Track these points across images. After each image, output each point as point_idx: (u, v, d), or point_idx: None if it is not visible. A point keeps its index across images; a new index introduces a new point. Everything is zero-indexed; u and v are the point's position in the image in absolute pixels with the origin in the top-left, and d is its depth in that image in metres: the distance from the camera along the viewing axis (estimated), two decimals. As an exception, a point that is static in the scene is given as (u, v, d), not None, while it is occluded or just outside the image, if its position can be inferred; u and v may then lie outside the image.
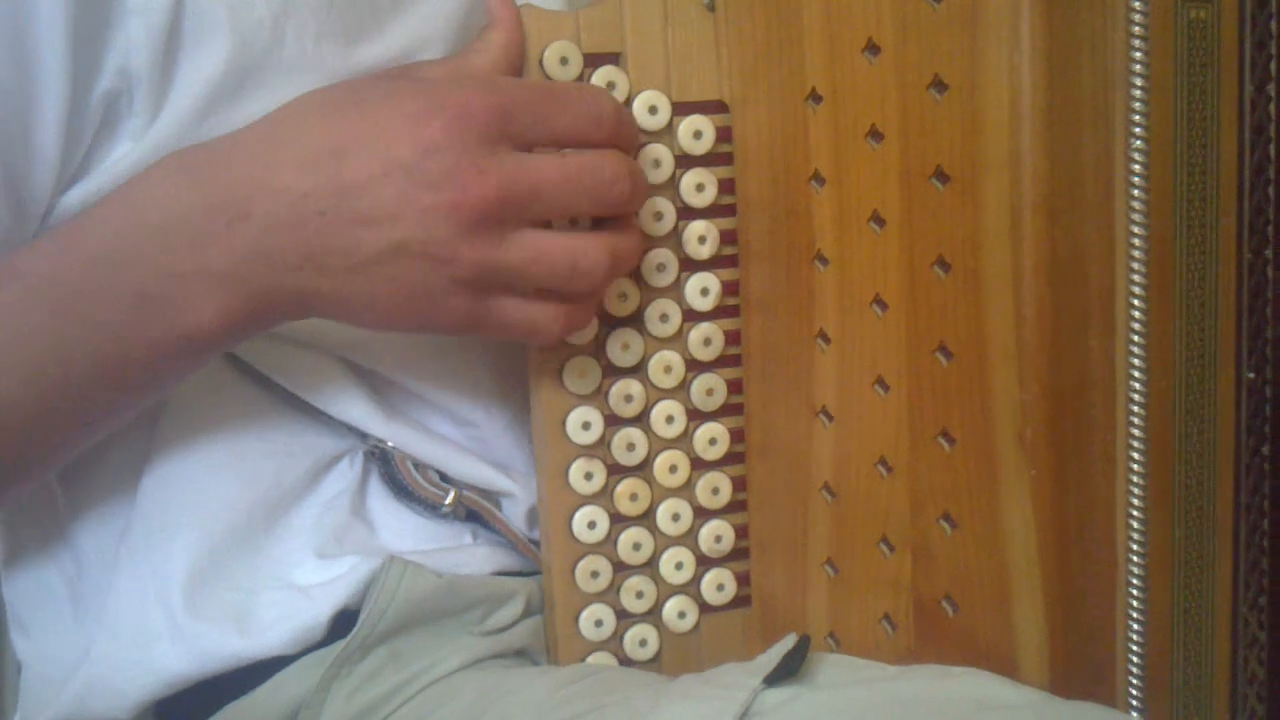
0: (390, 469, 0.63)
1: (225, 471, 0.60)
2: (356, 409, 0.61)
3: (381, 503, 0.63)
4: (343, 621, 0.58)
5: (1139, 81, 0.49)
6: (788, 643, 0.54)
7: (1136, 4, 0.49)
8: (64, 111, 0.52)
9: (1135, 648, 0.52)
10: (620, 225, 0.56)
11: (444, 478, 0.64)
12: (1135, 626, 0.52)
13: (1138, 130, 0.49)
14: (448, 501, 0.62)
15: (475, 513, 0.63)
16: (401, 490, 0.63)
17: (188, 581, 0.58)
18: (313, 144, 0.50)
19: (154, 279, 0.50)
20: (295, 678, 0.58)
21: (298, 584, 0.59)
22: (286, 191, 0.50)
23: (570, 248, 0.53)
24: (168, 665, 0.57)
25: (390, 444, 0.62)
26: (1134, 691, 0.52)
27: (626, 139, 0.55)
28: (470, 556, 0.62)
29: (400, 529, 0.62)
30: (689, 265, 0.60)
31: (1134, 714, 0.53)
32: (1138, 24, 0.49)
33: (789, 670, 0.52)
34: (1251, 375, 0.54)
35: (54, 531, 0.61)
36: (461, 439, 0.64)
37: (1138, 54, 0.49)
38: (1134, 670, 0.52)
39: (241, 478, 0.60)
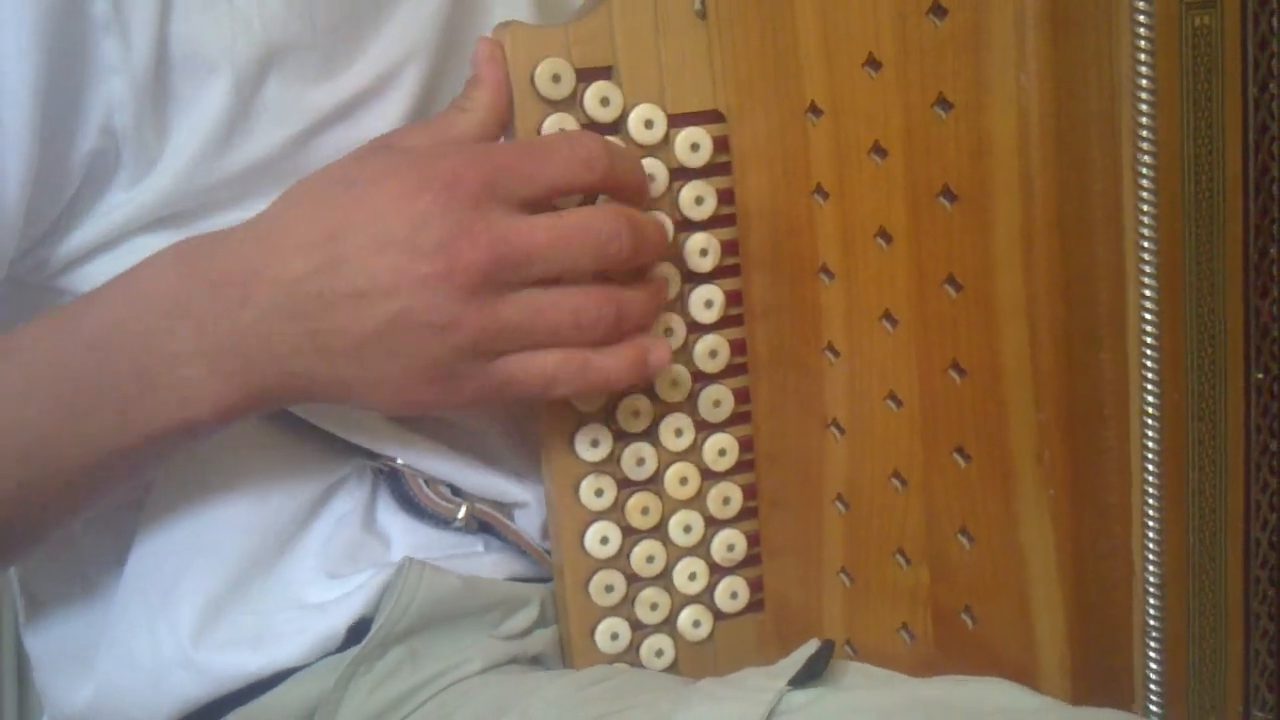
0: (400, 486, 0.62)
1: (233, 496, 0.59)
2: (363, 430, 0.61)
3: (392, 517, 0.63)
4: (357, 632, 0.58)
5: (1145, 95, 0.48)
6: (810, 647, 0.54)
7: (1141, 16, 0.48)
8: (31, 171, 0.52)
9: (1153, 655, 0.52)
10: (633, 277, 0.55)
11: (455, 491, 0.63)
12: (1154, 634, 0.52)
13: (1145, 145, 0.49)
14: (460, 515, 0.62)
15: (487, 525, 0.63)
16: (412, 507, 0.62)
17: (202, 608, 0.58)
18: (308, 231, 0.51)
19: (153, 361, 0.51)
20: (311, 680, 0.58)
21: (312, 603, 0.59)
22: (284, 278, 0.50)
23: (569, 303, 0.52)
24: (182, 691, 0.58)
25: (399, 461, 0.62)
26: (1153, 697, 0.53)
27: (625, 174, 0.54)
28: (482, 564, 0.62)
29: (412, 542, 0.62)
30: (691, 278, 0.60)
31: (1151, 716, 0.53)
32: (1143, 36, 0.48)
33: (813, 674, 0.53)
34: (1260, 376, 0.54)
35: (79, 586, 0.61)
36: (470, 452, 0.64)
37: (1144, 67, 0.48)
38: (1152, 676, 0.53)
39: (251, 502, 0.59)
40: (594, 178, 0.53)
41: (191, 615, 0.58)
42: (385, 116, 0.58)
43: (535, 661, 0.63)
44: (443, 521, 0.62)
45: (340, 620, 0.58)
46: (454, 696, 0.58)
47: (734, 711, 0.51)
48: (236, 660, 0.57)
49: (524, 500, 0.64)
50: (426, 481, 0.62)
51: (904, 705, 0.51)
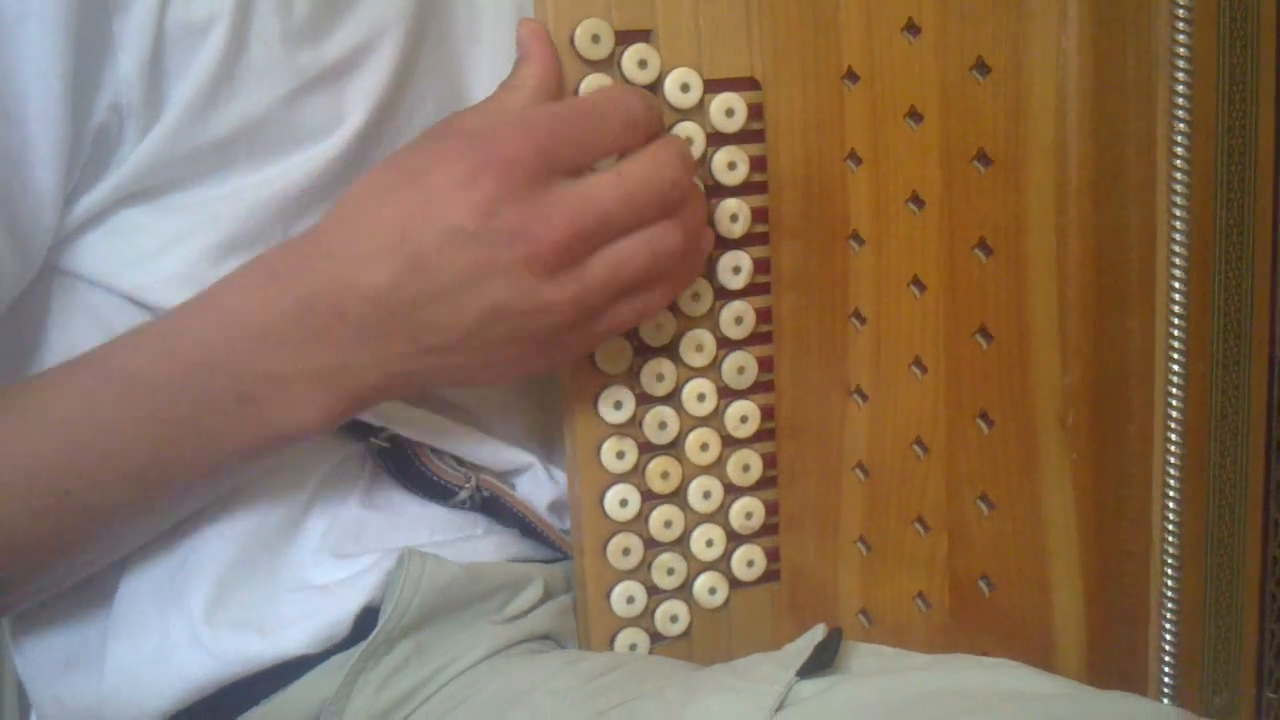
0: (405, 462, 0.62)
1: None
2: None
3: (393, 499, 0.63)
4: (364, 622, 0.58)
5: (1182, 63, 0.49)
6: (818, 633, 0.54)
7: (1181, -16, 0.49)
8: (64, 155, 0.53)
9: (1169, 625, 0.53)
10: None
11: (460, 463, 0.63)
12: (1169, 605, 0.52)
13: (1181, 113, 0.49)
14: (468, 485, 0.62)
15: (487, 502, 0.63)
16: (418, 479, 0.62)
17: (210, 589, 0.58)
18: (380, 231, 0.51)
19: (255, 382, 0.52)
20: (320, 679, 0.58)
21: (317, 584, 0.59)
22: (372, 288, 0.51)
23: (643, 241, 0.53)
24: (189, 672, 0.57)
25: (403, 433, 0.61)
26: (1166, 669, 0.53)
27: (659, 126, 0.55)
28: (482, 547, 0.62)
29: (413, 524, 0.62)
30: (721, 244, 0.60)
31: (1165, 690, 0.53)
32: (1182, 4, 0.49)
33: (822, 663, 0.52)
34: (1284, 354, 0.55)
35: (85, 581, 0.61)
36: (468, 425, 0.64)
37: (1181, 35, 0.49)
38: (1167, 648, 0.53)
39: (257, 483, 0.59)
40: (640, 139, 0.54)
41: (200, 596, 0.58)
42: (367, 81, 0.58)
43: (544, 639, 0.62)
44: (449, 493, 0.62)
45: (347, 607, 0.58)
46: (459, 689, 0.58)
47: (744, 704, 0.51)
48: (244, 643, 0.57)
49: (527, 463, 0.64)
50: (433, 451, 0.62)
51: (913, 698, 0.50)
